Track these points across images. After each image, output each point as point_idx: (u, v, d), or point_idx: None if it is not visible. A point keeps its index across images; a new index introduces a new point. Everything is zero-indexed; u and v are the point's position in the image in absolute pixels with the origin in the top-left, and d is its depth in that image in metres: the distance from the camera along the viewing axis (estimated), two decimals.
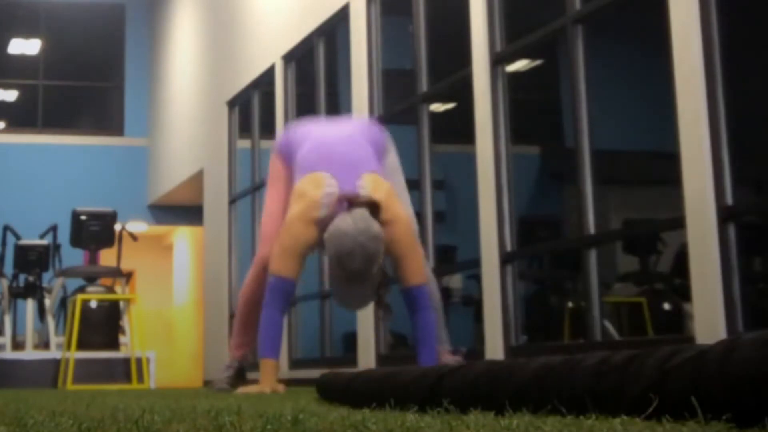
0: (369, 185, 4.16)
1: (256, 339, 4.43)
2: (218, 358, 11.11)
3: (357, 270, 3.87)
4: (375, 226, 3.94)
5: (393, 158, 4.71)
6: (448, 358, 4.45)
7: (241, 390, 4.18)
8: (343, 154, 4.28)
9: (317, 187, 4.15)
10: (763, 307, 5.67)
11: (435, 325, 4.33)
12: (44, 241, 10.21)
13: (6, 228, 10.69)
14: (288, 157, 4.52)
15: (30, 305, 9.92)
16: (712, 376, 1.28)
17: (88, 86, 15.64)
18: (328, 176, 4.17)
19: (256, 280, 4.61)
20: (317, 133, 4.50)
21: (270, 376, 4.17)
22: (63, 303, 10.41)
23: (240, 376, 4.91)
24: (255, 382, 4.40)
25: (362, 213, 3.97)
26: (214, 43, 12.06)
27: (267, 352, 4.22)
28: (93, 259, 9.63)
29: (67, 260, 10.52)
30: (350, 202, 4.04)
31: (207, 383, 11.20)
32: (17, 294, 10.15)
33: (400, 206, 4.20)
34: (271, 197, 4.66)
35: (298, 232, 4.13)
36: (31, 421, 1.69)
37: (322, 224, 4.09)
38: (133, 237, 10.30)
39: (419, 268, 4.20)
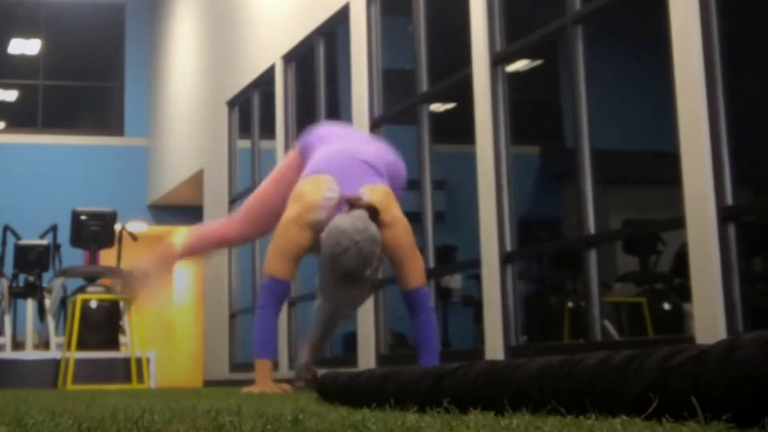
0: (368, 191, 4.15)
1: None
2: (218, 357, 11.11)
3: (349, 270, 3.85)
4: (373, 228, 3.92)
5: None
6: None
7: (245, 390, 4.18)
8: (353, 167, 4.24)
9: (317, 191, 4.13)
10: (763, 307, 5.67)
11: (436, 327, 4.33)
12: (44, 241, 10.21)
13: (6, 228, 10.69)
14: (305, 156, 4.49)
15: (30, 305, 9.93)
16: (712, 376, 1.28)
17: (88, 86, 15.63)
18: (330, 179, 4.15)
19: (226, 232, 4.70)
20: (341, 142, 4.43)
21: (266, 377, 4.18)
22: (63, 303, 10.41)
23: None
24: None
25: (361, 214, 3.96)
26: (214, 43, 12.06)
27: (263, 352, 4.22)
28: (93, 259, 9.63)
29: (67, 260, 10.52)
30: (351, 204, 4.04)
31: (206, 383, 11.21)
32: (17, 294, 10.15)
33: (399, 209, 4.19)
34: (270, 176, 4.67)
35: (293, 235, 4.12)
36: (31, 421, 1.69)
37: (318, 227, 4.07)
38: (133, 237, 10.30)
39: (419, 270, 4.20)
